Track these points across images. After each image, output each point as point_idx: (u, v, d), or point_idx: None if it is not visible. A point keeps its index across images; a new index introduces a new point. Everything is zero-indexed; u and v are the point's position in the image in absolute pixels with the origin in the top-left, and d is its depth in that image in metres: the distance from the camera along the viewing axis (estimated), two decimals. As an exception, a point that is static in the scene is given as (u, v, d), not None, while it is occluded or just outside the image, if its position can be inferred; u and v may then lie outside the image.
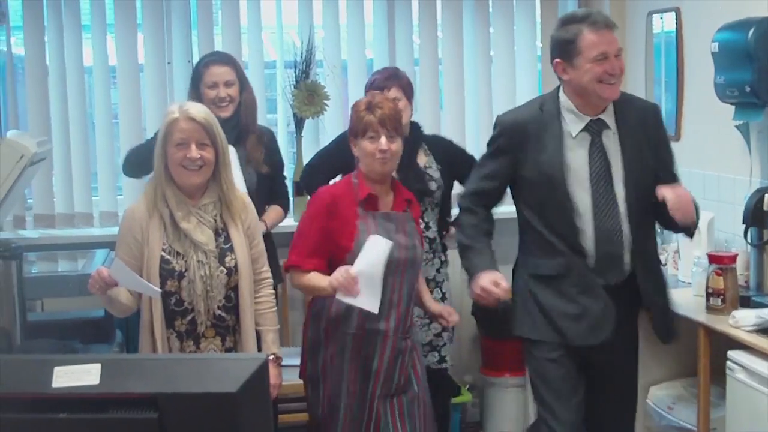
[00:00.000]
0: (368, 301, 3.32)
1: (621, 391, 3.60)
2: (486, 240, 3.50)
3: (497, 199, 3.56)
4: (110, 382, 1.64)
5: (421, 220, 4.17)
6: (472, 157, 4.42)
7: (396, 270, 3.42)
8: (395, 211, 3.50)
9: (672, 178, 3.45)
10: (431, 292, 4.13)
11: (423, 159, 4.31)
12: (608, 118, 3.38)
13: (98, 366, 1.66)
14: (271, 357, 3.29)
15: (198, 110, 3.26)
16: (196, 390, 1.65)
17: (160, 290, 3.19)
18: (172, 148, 3.19)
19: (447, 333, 4.34)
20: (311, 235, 3.46)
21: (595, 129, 3.36)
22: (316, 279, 3.42)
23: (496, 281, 3.31)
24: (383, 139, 3.40)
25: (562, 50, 3.34)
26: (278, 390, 3.44)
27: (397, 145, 3.44)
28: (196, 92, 4.17)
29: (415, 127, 4.37)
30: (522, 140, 3.38)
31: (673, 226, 3.45)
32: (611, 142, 3.37)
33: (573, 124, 3.36)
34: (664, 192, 3.25)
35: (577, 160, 3.35)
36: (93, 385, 1.63)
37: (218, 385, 1.66)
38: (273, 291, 3.49)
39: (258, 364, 1.68)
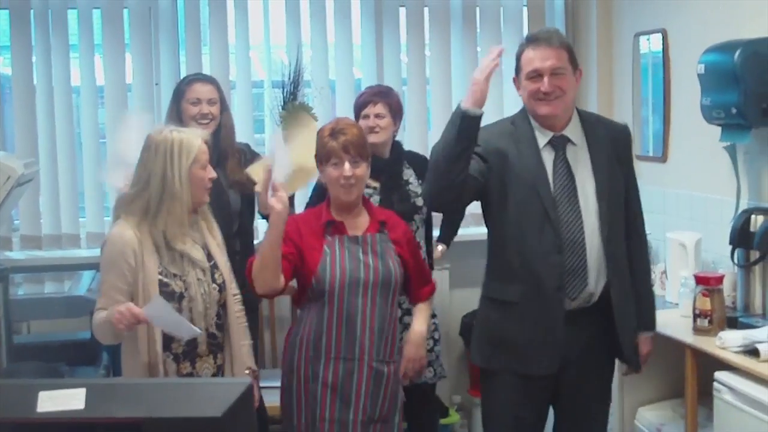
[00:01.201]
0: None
1: (589, 420, 3.51)
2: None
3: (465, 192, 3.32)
4: (95, 406, 1.63)
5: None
6: None
7: (365, 291, 3.38)
8: (367, 233, 3.46)
9: (635, 202, 3.51)
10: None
11: (406, 176, 4.30)
12: (573, 134, 3.37)
13: (83, 390, 1.65)
14: (246, 371, 3.34)
15: (205, 135, 3.36)
16: (181, 414, 1.64)
17: (200, 330, 3.17)
18: (200, 171, 3.24)
19: (438, 347, 4.34)
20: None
21: (558, 144, 3.34)
22: None
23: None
24: (347, 165, 3.38)
25: (515, 67, 3.38)
26: (255, 404, 3.37)
27: (361, 170, 3.41)
28: (176, 109, 4.15)
29: (396, 145, 4.37)
30: (497, 147, 3.33)
31: None
32: (578, 156, 3.35)
33: (539, 138, 3.35)
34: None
35: (546, 174, 3.33)
36: (78, 410, 1.62)
37: (203, 410, 1.65)
38: (242, 306, 3.44)
39: (243, 389, 1.68)
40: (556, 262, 3.27)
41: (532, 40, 3.32)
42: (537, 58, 3.28)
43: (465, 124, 3.13)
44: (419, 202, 4.23)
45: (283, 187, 3.18)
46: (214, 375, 3.29)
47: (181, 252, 3.22)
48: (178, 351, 3.23)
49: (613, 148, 3.41)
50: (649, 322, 3.58)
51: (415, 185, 4.28)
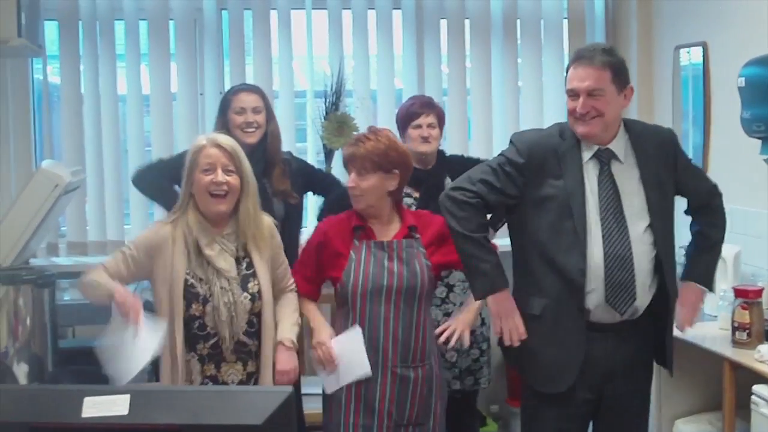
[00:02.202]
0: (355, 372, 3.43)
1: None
2: (495, 254, 3.34)
3: (489, 210, 3.42)
4: (138, 412, 1.68)
5: None
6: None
7: (388, 298, 3.42)
8: (395, 239, 3.50)
9: (708, 195, 3.55)
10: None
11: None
12: (619, 149, 3.34)
13: (127, 396, 1.70)
14: (285, 342, 3.39)
15: (225, 138, 3.37)
16: (221, 422, 1.68)
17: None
18: (199, 174, 3.27)
19: (484, 358, 4.38)
20: (307, 262, 3.59)
21: (603, 157, 3.32)
22: (314, 322, 3.56)
23: (516, 326, 3.31)
24: (352, 175, 3.47)
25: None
26: (289, 377, 3.39)
27: (368, 183, 3.45)
28: (223, 119, 4.21)
29: (440, 154, 4.41)
30: (541, 162, 3.32)
31: None
32: (624, 171, 3.33)
33: (584, 151, 3.34)
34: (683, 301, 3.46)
35: (591, 189, 3.32)
36: (122, 416, 1.67)
37: (243, 417, 1.69)
38: (295, 297, 3.55)
39: (284, 398, 1.71)
40: (579, 284, 3.26)
41: (576, 58, 3.31)
42: (576, 77, 3.27)
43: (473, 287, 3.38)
44: None
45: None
46: (242, 381, 3.33)
47: (208, 258, 3.29)
48: (203, 353, 3.31)
49: (660, 157, 3.40)
50: (704, 278, 3.56)
51: (408, 199, 4.30)
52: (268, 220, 3.49)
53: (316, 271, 3.55)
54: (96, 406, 1.68)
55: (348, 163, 3.50)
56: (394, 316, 3.43)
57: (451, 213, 3.32)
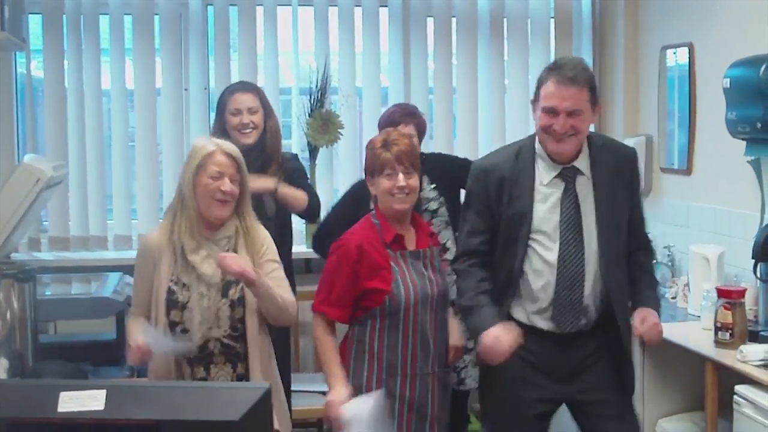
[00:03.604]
0: None
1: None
2: (486, 298, 3.30)
3: (489, 252, 3.36)
4: (115, 407, 1.67)
5: None
6: (465, 161, 4.38)
7: (430, 307, 3.39)
8: (422, 248, 3.45)
9: (640, 222, 3.45)
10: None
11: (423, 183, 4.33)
12: (582, 164, 3.29)
13: (104, 392, 1.68)
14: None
15: (231, 147, 3.37)
16: (198, 417, 1.67)
17: (192, 346, 3.27)
18: (207, 179, 3.27)
19: (468, 356, 4.38)
20: (337, 282, 3.38)
21: (568, 176, 3.28)
22: (330, 365, 3.38)
23: (497, 336, 3.18)
24: (401, 176, 3.35)
25: (535, 92, 3.28)
26: (225, 261, 3.23)
27: (414, 181, 3.40)
28: (221, 120, 4.19)
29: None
30: (494, 188, 3.29)
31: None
32: (585, 188, 3.28)
33: (545, 171, 3.28)
34: (643, 317, 3.27)
35: (547, 207, 3.27)
36: (98, 411, 1.65)
37: (221, 414, 1.68)
38: (285, 295, 3.41)
39: (261, 394, 1.70)
40: (529, 309, 3.31)
41: (556, 72, 3.20)
42: (556, 95, 3.17)
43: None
44: (433, 205, 4.26)
45: None
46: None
47: (192, 264, 3.29)
48: (190, 356, 3.30)
49: (617, 174, 3.34)
50: (651, 301, 3.40)
51: (427, 190, 4.29)
52: (264, 231, 3.47)
53: (348, 290, 3.37)
54: (72, 401, 1.67)
55: (394, 163, 3.36)
56: (436, 324, 3.42)
57: (456, 292, 3.45)
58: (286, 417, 3.56)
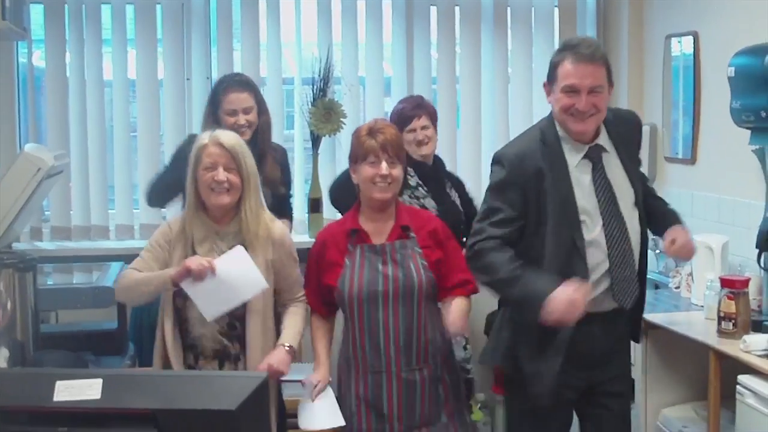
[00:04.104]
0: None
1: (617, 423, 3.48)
2: (525, 269, 3.16)
3: (517, 242, 3.24)
4: (111, 397, 1.66)
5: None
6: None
7: (385, 303, 3.36)
8: (387, 242, 3.42)
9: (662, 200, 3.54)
10: None
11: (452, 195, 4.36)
12: (604, 140, 3.30)
13: (100, 381, 1.67)
14: (285, 346, 3.39)
15: (227, 137, 3.40)
16: (195, 407, 1.66)
17: (266, 284, 3.33)
18: (201, 172, 3.33)
19: (471, 346, 4.38)
20: (308, 275, 3.54)
21: (594, 155, 3.27)
22: (314, 346, 3.53)
23: (568, 298, 3.04)
24: (384, 164, 3.35)
25: (549, 74, 3.27)
26: (275, 376, 3.32)
27: (398, 171, 3.39)
28: (214, 116, 4.14)
29: (438, 160, 4.42)
30: (532, 176, 3.21)
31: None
32: (612, 164, 3.29)
33: (572, 153, 3.26)
34: (673, 237, 3.31)
35: (584, 191, 3.24)
36: (94, 400, 1.64)
37: (218, 403, 1.67)
38: (303, 308, 3.51)
39: (258, 383, 1.69)
40: (604, 278, 3.26)
41: (572, 51, 3.18)
42: (576, 74, 3.16)
43: (529, 317, 3.14)
44: (413, 182, 4.25)
45: None
46: None
47: (197, 255, 3.34)
48: (186, 343, 3.36)
49: (631, 142, 3.40)
50: (677, 218, 3.47)
51: (457, 203, 4.35)
52: (281, 226, 3.51)
53: (315, 283, 3.49)
54: (68, 390, 1.66)
55: (378, 151, 3.35)
56: (394, 321, 3.37)
57: (479, 269, 3.26)
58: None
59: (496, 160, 3.31)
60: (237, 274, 3.28)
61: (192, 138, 3.91)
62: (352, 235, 3.42)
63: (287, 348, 3.38)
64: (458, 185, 4.48)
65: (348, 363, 3.45)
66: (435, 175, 4.33)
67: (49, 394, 1.67)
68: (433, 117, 4.36)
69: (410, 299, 3.38)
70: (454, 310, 3.39)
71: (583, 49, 3.18)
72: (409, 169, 4.31)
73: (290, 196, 4.52)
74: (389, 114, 4.57)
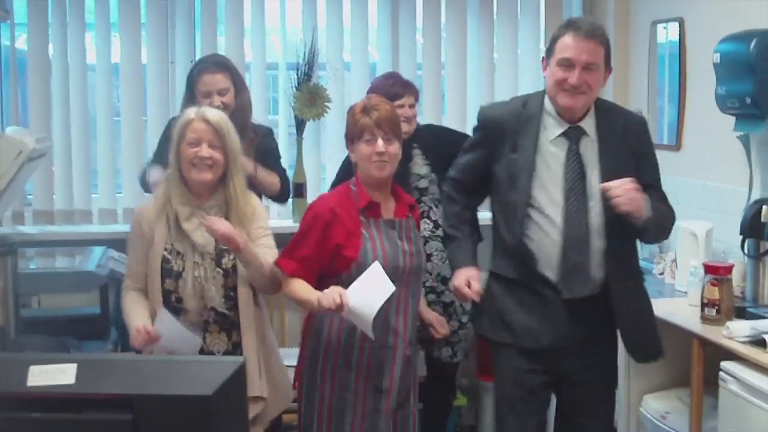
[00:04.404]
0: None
1: (595, 413, 3.48)
2: (467, 229, 3.47)
3: (478, 192, 3.50)
4: (86, 382, 1.64)
5: (428, 221, 4.18)
6: (461, 135, 4.39)
7: (402, 279, 3.31)
8: (398, 218, 3.40)
9: (657, 194, 3.40)
10: (443, 292, 4.24)
11: (415, 157, 4.32)
12: (588, 125, 3.29)
13: (74, 366, 1.65)
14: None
15: (213, 114, 3.39)
16: (171, 392, 1.64)
17: (200, 342, 3.31)
18: (185, 146, 3.32)
19: (463, 331, 4.38)
20: (303, 247, 3.31)
21: (573, 136, 3.27)
22: (305, 291, 3.27)
23: (468, 280, 3.29)
24: (380, 141, 3.30)
25: (548, 48, 3.30)
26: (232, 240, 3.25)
27: (395, 148, 3.34)
28: (191, 98, 4.10)
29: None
30: (499, 136, 3.32)
31: (642, 235, 3.41)
32: (589, 150, 3.28)
33: (551, 128, 3.28)
34: (605, 184, 3.18)
35: (552, 166, 3.26)
36: (68, 385, 1.63)
37: (194, 388, 1.65)
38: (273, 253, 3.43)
39: (234, 368, 1.68)
40: (530, 260, 3.29)
41: (573, 27, 3.21)
42: (573, 47, 3.17)
43: None
44: (423, 183, 4.25)
45: None
46: (227, 351, 3.37)
47: (186, 232, 3.33)
48: (185, 325, 3.31)
49: (625, 139, 3.33)
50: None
51: (420, 165, 4.28)
52: (256, 199, 3.51)
53: (313, 256, 3.30)
54: (42, 375, 1.64)
55: (374, 129, 3.30)
56: (405, 298, 3.35)
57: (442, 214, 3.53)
58: (286, 386, 3.56)
59: (477, 114, 3.49)
60: (177, 338, 3.25)
61: (174, 122, 3.88)
62: (366, 208, 3.35)
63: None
64: (428, 138, 4.41)
65: (350, 338, 3.31)
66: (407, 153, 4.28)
67: (23, 379, 1.65)
68: (417, 98, 4.41)
69: (418, 278, 3.44)
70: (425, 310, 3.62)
71: (584, 25, 3.22)
72: None
73: (287, 179, 4.44)
74: (372, 87, 4.46)
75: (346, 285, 3.19)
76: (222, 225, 3.22)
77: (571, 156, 3.26)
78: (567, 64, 3.19)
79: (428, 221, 4.24)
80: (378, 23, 5.35)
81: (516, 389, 3.39)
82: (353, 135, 3.37)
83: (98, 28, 5.09)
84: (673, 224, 3.47)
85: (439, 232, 4.21)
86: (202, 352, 3.33)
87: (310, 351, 3.40)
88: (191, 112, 3.38)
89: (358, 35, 5.33)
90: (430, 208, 4.26)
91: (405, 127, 4.19)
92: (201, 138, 3.31)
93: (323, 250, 3.30)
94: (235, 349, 3.36)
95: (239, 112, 4.11)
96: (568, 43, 3.19)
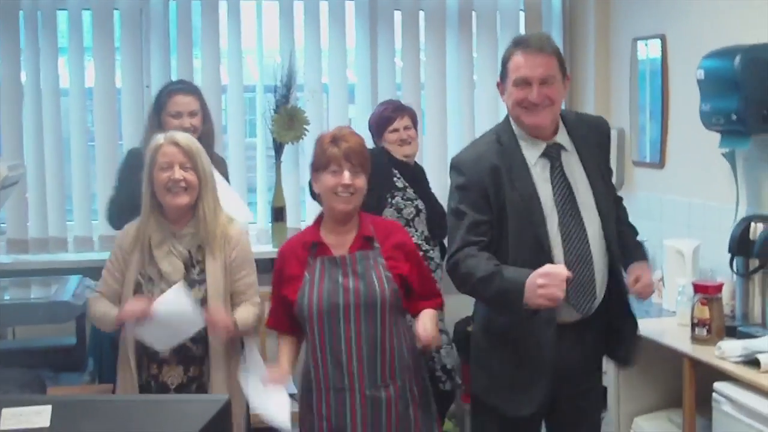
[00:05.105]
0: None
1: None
2: (503, 266, 3.09)
3: (492, 244, 3.15)
4: (61, 424, 1.55)
5: (420, 249, 4.10)
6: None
7: (346, 316, 3.21)
8: (348, 254, 3.28)
9: (624, 214, 3.46)
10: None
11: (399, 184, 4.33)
12: (563, 139, 3.24)
13: (49, 408, 1.57)
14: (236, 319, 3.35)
15: (183, 137, 3.37)
16: (153, 433, 1.56)
17: (202, 323, 3.26)
18: (158, 172, 3.28)
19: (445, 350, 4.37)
20: (274, 296, 3.38)
21: (553, 153, 3.20)
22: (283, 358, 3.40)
23: (547, 272, 2.95)
24: (346, 173, 3.21)
25: (501, 72, 3.23)
26: (217, 326, 3.29)
27: (361, 181, 3.26)
28: (156, 120, 4.05)
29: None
30: (487, 176, 3.14)
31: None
32: (572, 163, 3.22)
33: (529, 151, 3.20)
34: (637, 276, 3.28)
35: (541, 188, 3.18)
36: (43, 428, 1.54)
37: (177, 428, 1.57)
38: (257, 308, 3.41)
39: (219, 406, 1.59)
40: None
41: (521, 45, 3.16)
42: (526, 65, 3.11)
43: (514, 310, 3.04)
44: (410, 211, 4.25)
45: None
46: (181, 384, 3.31)
47: (155, 258, 3.31)
48: (147, 352, 3.30)
49: (599, 146, 3.32)
50: (640, 256, 3.39)
51: (410, 192, 4.31)
52: (238, 227, 3.44)
53: (278, 297, 3.34)
54: (15, 418, 1.56)
55: (341, 160, 3.22)
56: (356, 335, 3.22)
57: (459, 278, 3.15)
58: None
59: (453, 166, 3.27)
60: (176, 315, 3.20)
61: (133, 152, 3.86)
62: (312, 248, 3.29)
63: (231, 318, 3.33)
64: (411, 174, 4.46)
65: (309, 382, 3.28)
66: (419, 176, 4.39)
67: (-5, 423, 1.56)
68: (414, 119, 4.41)
69: (373, 312, 3.24)
70: (424, 319, 3.29)
71: (532, 41, 3.18)
72: (394, 171, 4.28)
73: None
74: (370, 117, 4.58)
75: (305, 330, 3.29)
76: (220, 322, 3.26)
77: (556, 173, 3.20)
78: (523, 83, 3.13)
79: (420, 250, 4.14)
80: (356, 44, 5.29)
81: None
82: (319, 165, 3.29)
83: (71, 51, 5.02)
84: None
85: (434, 256, 4.19)
86: (156, 381, 3.30)
87: (298, 396, 3.42)
88: (160, 137, 3.35)
89: (336, 57, 5.26)
90: (424, 236, 4.27)
91: (406, 150, 4.36)
92: (172, 161, 3.27)
93: (282, 296, 3.34)
94: (190, 383, 3.31)
95: (208, 140, 4.04)
96: (519, 62, 3.14)
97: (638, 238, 3.50)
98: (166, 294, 3.20)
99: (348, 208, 3.27)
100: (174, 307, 3.18)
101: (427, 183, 4.48)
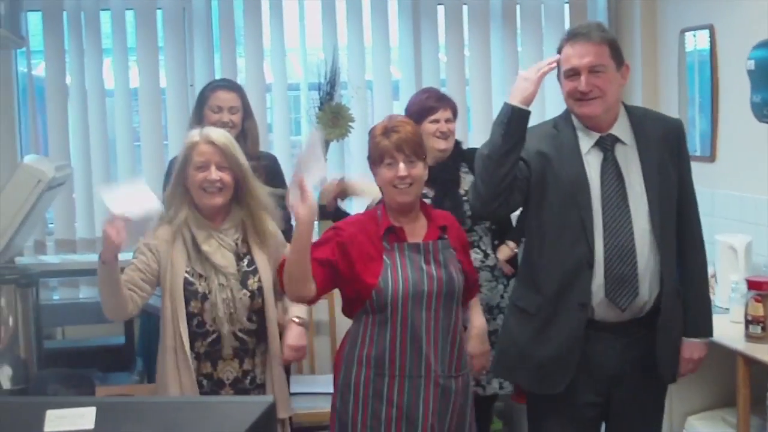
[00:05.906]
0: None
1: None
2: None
3: (513, 197, 3.16)
4: (106, 426, 1.54)
5: (477, 250, 4.04)
6: None
7: (428, 304, 3.17)
8: (428, 241, 3.24)
9: (688, 201, 3.29)
10: (494, 319, 4.00)
11: (465, 182, 4.13)
12: (622, 132, 3.19)
13: (93, 410, 1.55)
14: (295, 319, 3.34)
15: (218, 134, 3.29)
16: (197, 435, 1.54)
17: (159, 207, 3.19)
18: (193, 171, 3.23)
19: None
20: (316, 251, 3.15)
21: (606, 144, 3.17)
22: None
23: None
24: (401, 165, 3.16)
25: (558, 66, 3.19)
26: (299, 353, 3.36)
27: (418, 170, 3.19)
28: (199, 115, 4.07)
29: (457, 145, 4.20)
30: (539, 155, 3.16)
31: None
32: (627, 156, 3.17)
33: (583, 140, 3.18)
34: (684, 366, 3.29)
35: (591, 175, 3.15)
36: (87, 430, 1.53)
37: (221, 430, 1.55)
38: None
39: (264, 408, 1.57)
40: (585, 277, 3.10)
41: (571, 35, 3.15)
42: (575, 55, 3.09)
43: (513, 122, 3.03)
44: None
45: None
46: (237, 378, 3.27)
47: (206, 254, 3.24)
48: (200, 351, 3.23)
49: (664, 144, 3.22)
50: (701, 328, 3.33)
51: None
52: (272, 224, 3.39)
53: (317, 269, 3.13)
54: (59, 420, 1.54)
55: (394, 152, 3.16)
56: (435, 324, 3.18)
57: (480, 158, 3.15)
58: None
59: None
60: (137, 204, 3.08)
61: (175, 162, 3.83)
62: (386, 233, 3.23)
63: (297, 320, 3.33)
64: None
65: (380, 369, 3.18)
66: (445, 176, 4.10)
67: (40, 425, 1.55)
68: (455, 112, 4.18)
69: (450, 301, 3.22)
70: (477, 334, 3.44)
71: (581, 29, 3.15)
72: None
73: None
74: (408, 104, 4.30)
75: (369, 313, 3.17)
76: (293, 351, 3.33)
77: (608, 165, 3.15)
78: (573, 74, 3.11)
79: (478, 251, 4.05)
80: (399, 40, 5.27)
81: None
82: (374, 158, 3.25)
83: (116, 53, 5.05)
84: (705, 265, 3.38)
85: (489, 262, 4.08)
86: (210, 379, 3.24)
87: (342, 383, 3.27)
88: (195, 134, 3.28)
89: (380, 53, 5.25)
90: (481, 237, 4.10)
91: (442, 144, 4.06)
92: (209, 161, 3.21)
93: (335, 270, 3.17)
94: (245, 376, 3.28)
95: (251, 139, 4.06)
96: (569, 53, 3.12)
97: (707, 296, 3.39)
98: (116, 193, 3.12)
99: (409, 199, 3.22)
100: (131, 197, 3.08)
101: (453, 186, 4.15)
